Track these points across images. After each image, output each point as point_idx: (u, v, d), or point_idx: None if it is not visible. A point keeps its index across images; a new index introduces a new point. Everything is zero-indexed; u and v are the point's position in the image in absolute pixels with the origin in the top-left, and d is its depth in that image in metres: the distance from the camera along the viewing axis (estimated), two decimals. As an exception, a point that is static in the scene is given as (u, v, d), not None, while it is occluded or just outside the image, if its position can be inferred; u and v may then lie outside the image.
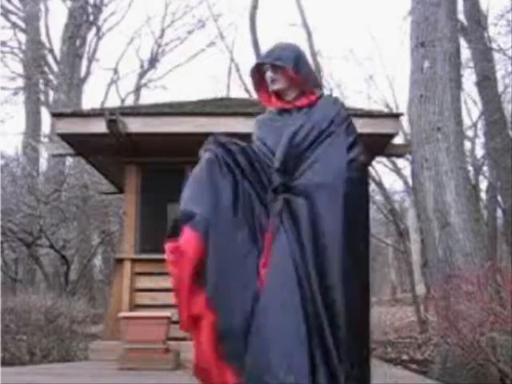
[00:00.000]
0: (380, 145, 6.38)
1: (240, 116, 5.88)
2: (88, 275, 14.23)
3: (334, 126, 2.25)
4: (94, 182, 10.68)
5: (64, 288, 10.39)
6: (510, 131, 12.20)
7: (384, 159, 13.10)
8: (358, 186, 2.18)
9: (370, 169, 11.84)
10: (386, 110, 12.97)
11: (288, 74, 2.33)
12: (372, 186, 14.72)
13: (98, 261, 16.44)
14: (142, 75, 19.95)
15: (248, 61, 18.07)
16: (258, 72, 2.46)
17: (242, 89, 18.57)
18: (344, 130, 2.25)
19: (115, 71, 19.85)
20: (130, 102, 19.44)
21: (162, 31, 19.56)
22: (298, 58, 2.36)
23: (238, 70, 18.90)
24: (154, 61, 19.53)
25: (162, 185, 6.90)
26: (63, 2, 16.78)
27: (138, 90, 20.24)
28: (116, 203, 10.98)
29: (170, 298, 6.62)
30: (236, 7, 29.44)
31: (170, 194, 7.53)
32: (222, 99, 9.06)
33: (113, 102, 18.66)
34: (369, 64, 23.28)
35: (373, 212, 20.96)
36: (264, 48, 16.89)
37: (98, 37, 18.12)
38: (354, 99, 14.78)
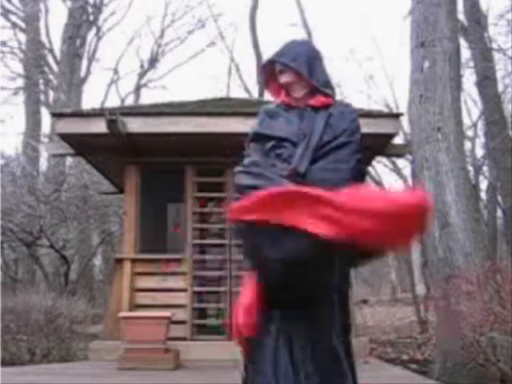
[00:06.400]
0: (380, 145, 6.38)
1: (240, 116, 5.88)
2: (88, 275, 14.24)
3: (346, 136, 2.27)
4: (94, 182, 10.68)
5: (64, 288, 10.39)
6: (510, 131, 12.21)
7: (384, 159, 13.10)
8: None
9: (370, 169, 11.85)
10: (386, 110, 12.97)
11: (301, 77, 2.33)
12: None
13: (98, 261, 16.45)
14: (141, 75, 19.95)
15: (248, 61, 18.15)
16: (269, 66, 2.44)
17: (241, 89, 18.62)
18: (354, 141, 2.28)
19: (115, 71, 19.88)
20: (130, 101, 19.47)
21: (162, 31, 19.59)
22: (311, 59, 2.36)
23: (237, 70, 18.96)
24: (153, 61, 19.54)
25: (162, 185, 6.90)
26: (63, 1, 16.81)
27: (137, 90, 20.25)
28: (116, 203, 10.98)
29: (170, 298, 6.59)
30: (236, 7, 29.42)
31: (169, 194, 7.59)
32: (222, 99, 9.06)
33: (113, 102, 18.69)
34: (369, 64, 23.26)
35: (373, 212, 20.95)
36: (264, 48, 16.92)
37: (98, 37, 18.13)
38: (354, 99, 14.76)
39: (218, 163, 6.34)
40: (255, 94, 16.97)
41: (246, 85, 18.65)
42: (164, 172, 6.55)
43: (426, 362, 7.21)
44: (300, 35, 16.36)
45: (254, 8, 17.13)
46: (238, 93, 18.03)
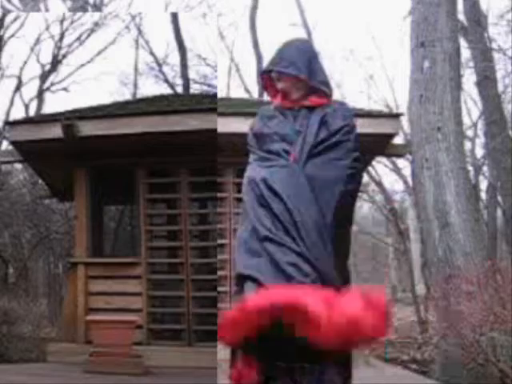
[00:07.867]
0: (380, 145, 6.37)
1: (240, 116, 5.85)
2: (26, 277, 13.78)
3: (342, 135, 2.29)
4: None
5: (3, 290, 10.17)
6: (510, 131, 12.20)
7: (384, 159, 13.07)
8: (349, 198, 2.29)
9: (370, 169, 11.84)
10: (386, 110, 12.95)
11: (299, 80, 2.35)
12: (372, 186, 14.73)
13: (35, 263, 15.93)
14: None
15: (248, 61, 18.11)
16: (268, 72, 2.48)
17: (241, 89, 18.59)
18: (350, 140, 2.30)
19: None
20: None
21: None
22: (310, 59, 2.37)
23: (237, 70, 18.91)
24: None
25: (113, 187, 6.73)
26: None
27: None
28: (54, 206, 10.80)
29: (124, 302, 6.35)
30: (236, 7, 29.36)
31: (121, 197, 7.36)
32: (221, 99, 9.04)
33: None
34: (369, 64, 23.22)
35: (373, 212, 20.98)
36: (264, 48, 16.91)
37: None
38: (354, 99, 14.72)
39: (171, 163, 6.10)
40: (255, 94, 16.94)
41: (246, 85, 18.60)
42: (114, 174, 6.37)
43: (426, 361, 7.21)
44: (300, 35, 16.34)
45: (254, 8, 17.10)
46: (238, 93, 18.00)
